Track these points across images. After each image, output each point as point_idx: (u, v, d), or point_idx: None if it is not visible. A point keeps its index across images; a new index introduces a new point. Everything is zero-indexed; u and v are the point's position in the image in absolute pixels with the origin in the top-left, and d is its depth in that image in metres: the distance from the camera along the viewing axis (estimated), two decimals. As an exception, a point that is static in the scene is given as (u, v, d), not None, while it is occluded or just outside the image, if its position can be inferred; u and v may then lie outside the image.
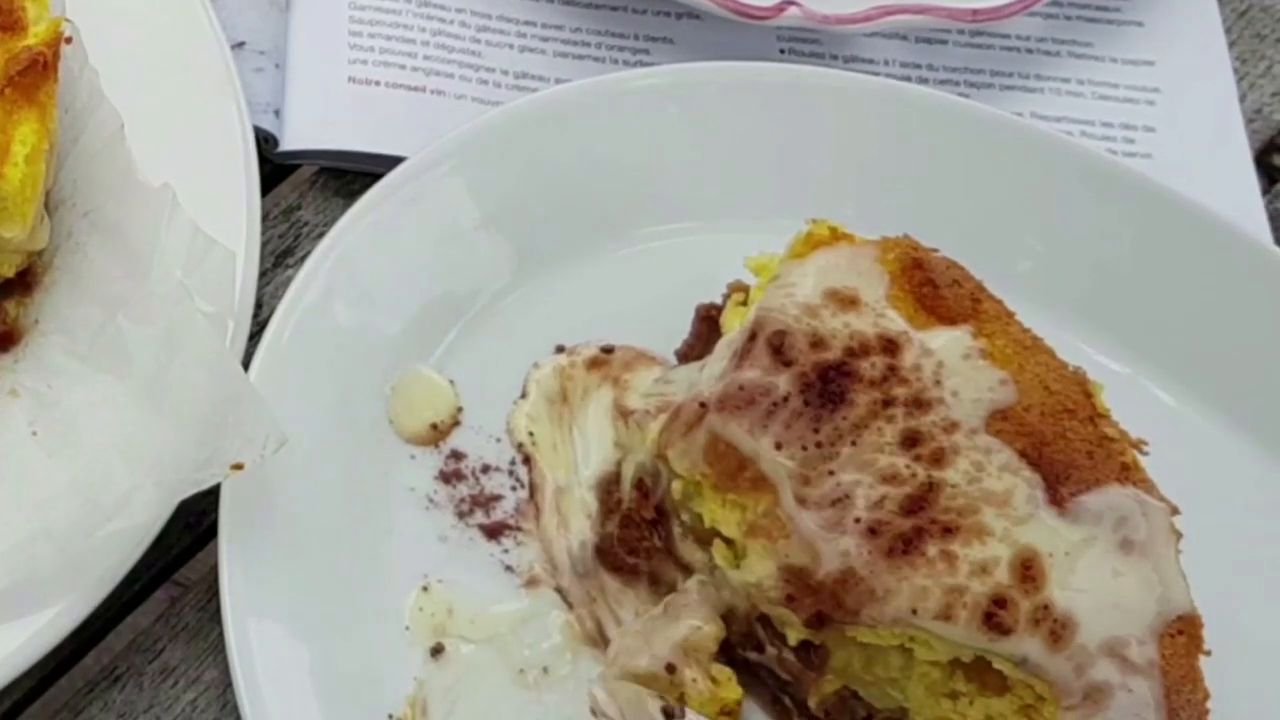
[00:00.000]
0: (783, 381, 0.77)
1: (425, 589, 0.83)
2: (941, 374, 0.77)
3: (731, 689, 0.80)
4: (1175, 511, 0.75)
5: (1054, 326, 0.83)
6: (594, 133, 0.94)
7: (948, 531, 0.73)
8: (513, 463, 0.88)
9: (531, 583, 0.84)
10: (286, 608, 0.80)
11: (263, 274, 0.91)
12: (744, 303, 0.85)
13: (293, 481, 0.82)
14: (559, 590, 0.84)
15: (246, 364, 0.83)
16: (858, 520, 0.74)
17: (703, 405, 0.78)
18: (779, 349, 0.77)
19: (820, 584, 0.74)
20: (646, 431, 0.84)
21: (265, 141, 0.98)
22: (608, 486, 0.87)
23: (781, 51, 1.06)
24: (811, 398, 0.76)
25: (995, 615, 0.72)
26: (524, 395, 0.89)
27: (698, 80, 0.96)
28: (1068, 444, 0.75)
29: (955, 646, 0.73)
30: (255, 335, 0.86)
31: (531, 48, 1.05)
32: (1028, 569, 0.72)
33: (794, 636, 0.77)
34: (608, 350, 0.91)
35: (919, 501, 0.74)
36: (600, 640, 0.83)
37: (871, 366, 0.77)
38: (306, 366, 0.85)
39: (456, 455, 0.87)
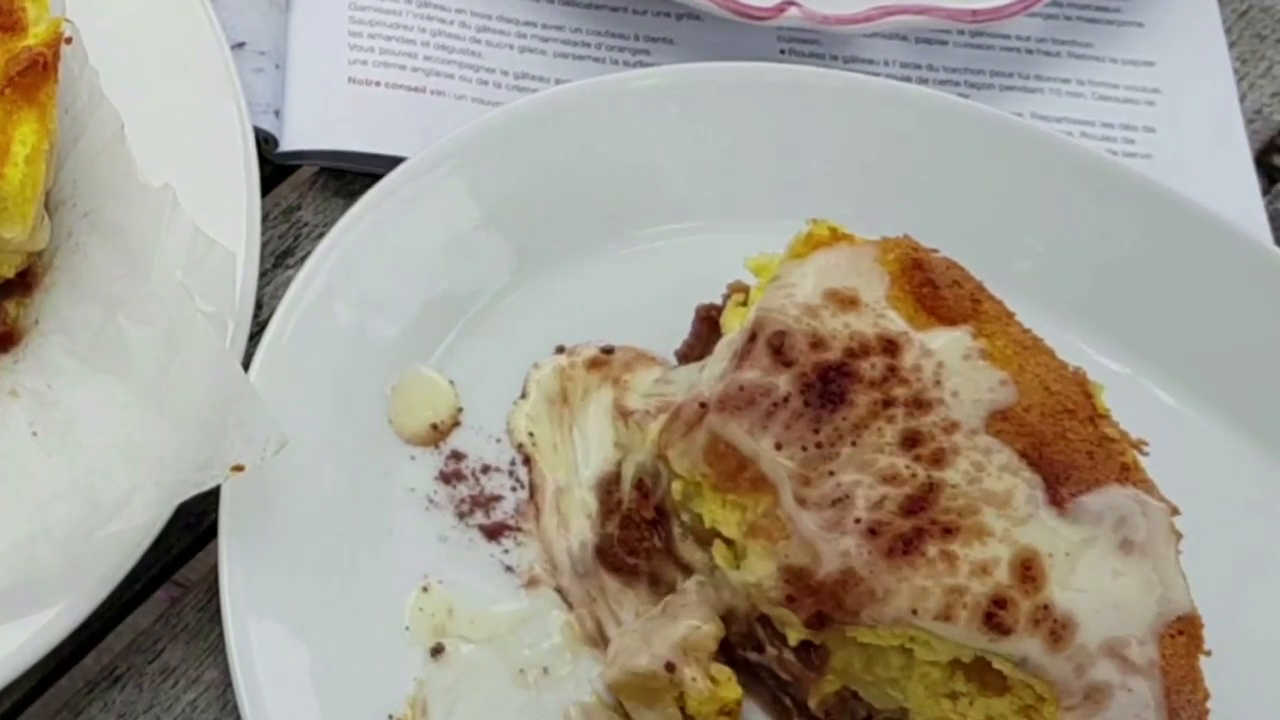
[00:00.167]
0: (783, 382, 0.77)
1: (425, 589, 0.83)
2: (941, 374, 0.77)
3: (731, 689, 0.80)
4: (1175, 511, 0.75)
5: (1054, 326, 0.83)
6: (594, 133, 0.94)
7: (948, 532, 0.73)
8: (513, 463, 0.88)
9: (531, 583, 0.84)
10: (286, 608, 0.80)
11: (263, 274, 0.91)
12: (744, 303, 0.86)
13: (293, 482, 0.82)
14: (559, 590, 0.84)
15: (246, 364, 0.83)
16: (858, 520, 0.74)
17: (703, 405, 0.78)
18: (779, 349, 0.77)
19: (820, 584, 0.74)
20: (646, 432, 0.84)
21: (265, 142, 0.98)
22: (608, 487, 0.87)
23: (781, 52, 1.06)
24: (811, 398, 0.76)
25: (995, 615, 0.72)
26: (524, 395, 0.89)
27: (698, 80, 0.96)
28: (1068, 444, 0.75)
29: (955, 647, 0.73)
30: (255, 335, 0.86)
31: (531, 48, 1.05)
32: (1028, 569, 0.72)
33: (794, 637, 0.77)
34: (608, 350, 0.91)
35: (919, 502, 0.74)
36: (600, 640, 0.83)
37: (871, 367, 0.77)
38: (306, 367, 0.85)
39: (456, 455, 0.87)
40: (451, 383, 0.89)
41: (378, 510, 0.85)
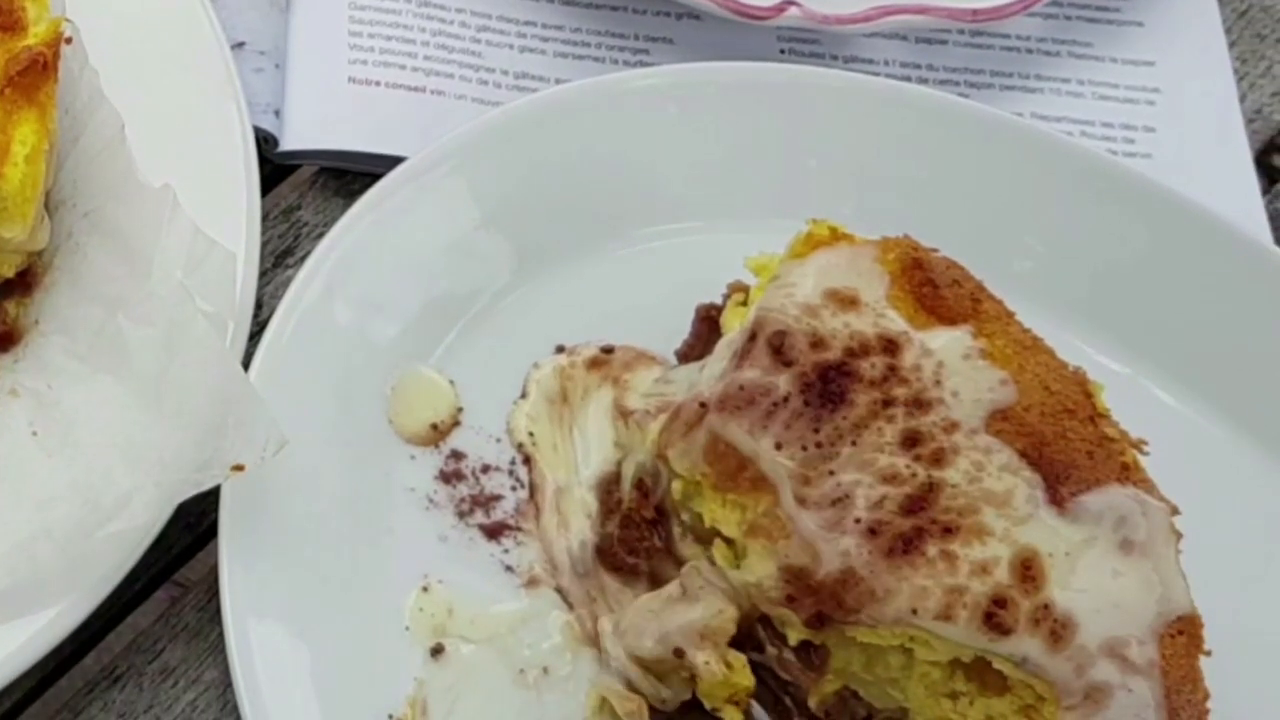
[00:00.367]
0: (783, 382, 0.77)
1: (425, 589, 0.83)
2: (941, 374, 0.77)
3: (745, 675, 0.79)
4: (1175, 511, 0.75)
5: (1054, 326, 0.83)
6: (594, 133, 0.94)
7: (948, 531, 0.73)
8: (513, 463, 0.88)
9: (531, 583, 0.84)
10: (286, 608, 0.80)
11: (263, 274, 0.91)
12: (744, 303, 0.86)
13: (293, 481, 0.82)
14: (559, 590, 0.84)
15: (246, 364, 0.83)
16: (858, 520, 0.74)
17: (703, 405, 0.78)
18: (779, 349, 0.77)
19: (820, 584, 0.74)
20: (646, 431, 0.84)
21: (265, 141, 0.98)
22: (608, 486, 0.87)
23: (781, 51, 1.06)
24: (811, 398, 0.76)
25: (995, 615, 0.72)
26: (524, 395, 0.89)
27: (698, 80, 0.96)
28: (1068, 444, 0.75)
29: (955, 646, 0.73)
30: (255, 335, 0.86)
31: (531, 48, 1.05)
32: (1028, 569, 0.72)
33: (794, 637, 0.77)
34: (608, 350, 0.91)
35: (919, 501, 0.74)
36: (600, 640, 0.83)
37: (871, 367, 0.77)
38: (306, 367, 0.85)
39: (456, 455, 0.87)
40: (451, 382, 0.89)
41: (378, 510, 0.85)
